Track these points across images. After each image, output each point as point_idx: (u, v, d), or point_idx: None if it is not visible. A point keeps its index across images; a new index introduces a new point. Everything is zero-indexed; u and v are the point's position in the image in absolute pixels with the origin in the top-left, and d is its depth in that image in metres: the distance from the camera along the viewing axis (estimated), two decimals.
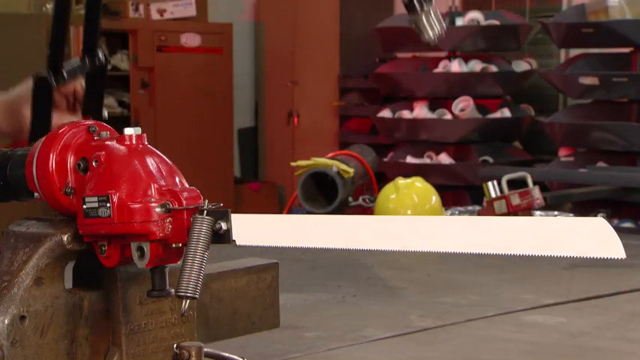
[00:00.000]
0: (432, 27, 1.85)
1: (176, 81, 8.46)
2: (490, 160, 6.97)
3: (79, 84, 1.74)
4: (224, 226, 1.37)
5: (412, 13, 1.85)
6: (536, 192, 4.13)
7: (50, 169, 1.46)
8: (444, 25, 1.89)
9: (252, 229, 1.45)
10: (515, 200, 4.14)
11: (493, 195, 4.20)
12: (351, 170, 4.41)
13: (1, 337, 1.38)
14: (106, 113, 1.76)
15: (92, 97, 1.74)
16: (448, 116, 7.00)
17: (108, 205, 1.40)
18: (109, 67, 1.93)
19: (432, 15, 1.85)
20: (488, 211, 4.20)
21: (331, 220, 1.51)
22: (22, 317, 1.40)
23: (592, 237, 1.36)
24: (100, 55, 1.72)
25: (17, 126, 1.78)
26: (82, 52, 1.69)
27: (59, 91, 1.73)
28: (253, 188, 8.68)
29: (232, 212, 1.40)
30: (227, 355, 1.58)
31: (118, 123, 1.61)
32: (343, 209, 4.48)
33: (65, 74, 1.65)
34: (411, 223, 1.48)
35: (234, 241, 1.40)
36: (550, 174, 6.29)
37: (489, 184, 4.24)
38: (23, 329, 1.40)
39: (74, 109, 1.75)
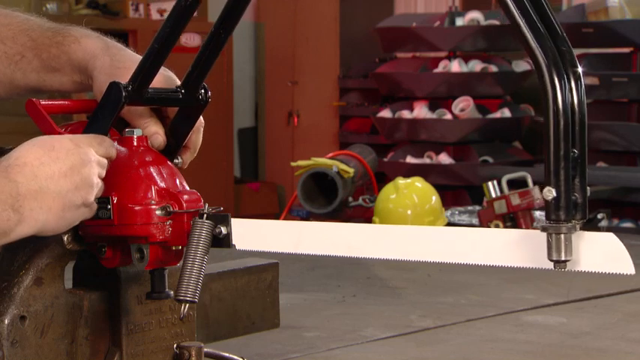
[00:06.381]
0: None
1: None
2: (490, 160, 6.96)
3: (173, 111, 1.56)
4: (224, 230, 1.37)
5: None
6: (536, 192, 4.13)
7: None
8: None
9: (252, 235, 1.46)
10: (515, 200, 4.14)
11: (493, 195, 4.20)
12: (351, 170, 4.41)
13: (1, 337, 1.38)
14: (180, 160, 1.53)
15: (173, 134, 1.53)
16: (448, 116, 7.00)
17: (108, 206, 1.40)
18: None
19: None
20: (488, 211, 4.20)
21: (330, 228, 1.51)
22: (22, 317, 1.40)
23: (602, 252, 1.36)
24: (202, 92, 1.56)
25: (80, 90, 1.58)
26: (183, 83, 1.54)
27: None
28: (253, 188, 8.66)
29: (232, 212, 1.40)
30: (227, 355, 1.58)
31: (119, 124, 1.53)
32: (343, 209, 4.48)
33: (148, 96, 1.47)
34: (411, 233, 1.48)
35: (234, 245, 1.40)
36: None
37: (489, 184, 4.24)
38: (23, 329, 1.40)
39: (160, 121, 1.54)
